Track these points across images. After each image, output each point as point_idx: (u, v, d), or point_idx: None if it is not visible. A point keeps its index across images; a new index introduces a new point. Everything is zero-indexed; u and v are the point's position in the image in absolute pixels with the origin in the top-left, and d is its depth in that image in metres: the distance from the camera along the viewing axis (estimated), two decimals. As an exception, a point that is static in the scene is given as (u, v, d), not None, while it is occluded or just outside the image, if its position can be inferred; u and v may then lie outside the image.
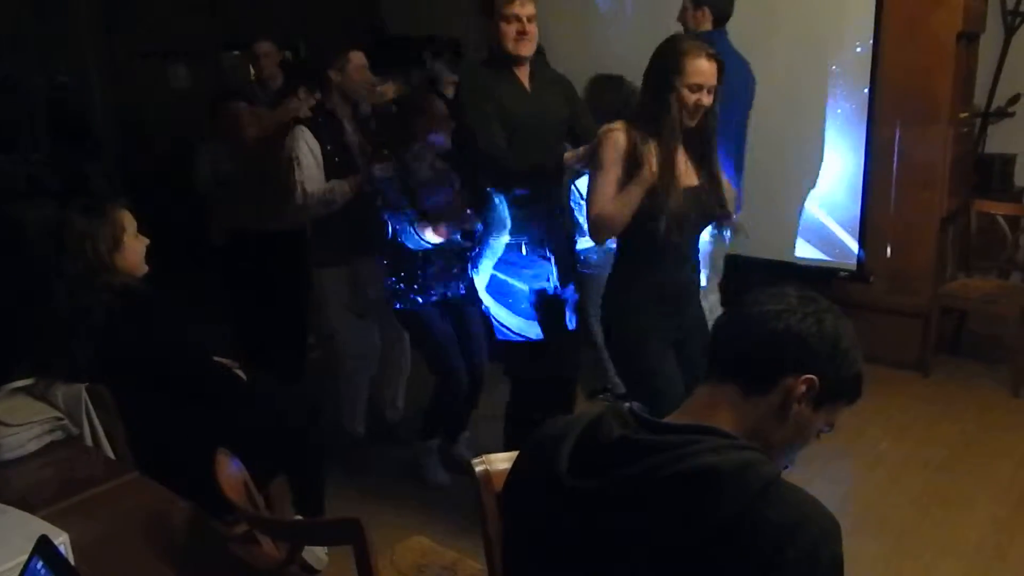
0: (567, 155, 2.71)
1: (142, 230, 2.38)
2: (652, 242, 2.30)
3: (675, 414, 1.20)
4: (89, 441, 2.15)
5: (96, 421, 2.16)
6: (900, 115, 3.98)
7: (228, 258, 3.91)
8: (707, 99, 2.27)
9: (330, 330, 3.58)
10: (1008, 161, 4.80)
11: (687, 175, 2.36)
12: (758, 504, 0.98)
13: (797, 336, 1.15)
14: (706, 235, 3.96)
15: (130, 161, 5.24)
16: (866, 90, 3.73)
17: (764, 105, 3.82)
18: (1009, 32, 4.77)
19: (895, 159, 4.07)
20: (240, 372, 2.59)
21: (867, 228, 3.87)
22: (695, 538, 0.99)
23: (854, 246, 4.02)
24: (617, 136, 2.34)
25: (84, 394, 2.15)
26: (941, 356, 4.26)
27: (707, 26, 3.53)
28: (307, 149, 3.17)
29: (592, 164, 2.43)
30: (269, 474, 2.46)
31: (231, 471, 1.63)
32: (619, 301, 2.45)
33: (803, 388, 1.14)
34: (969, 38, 4.14)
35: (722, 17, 3.56)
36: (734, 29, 3.53)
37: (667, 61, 2.28)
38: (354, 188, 3.14)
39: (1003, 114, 4.87)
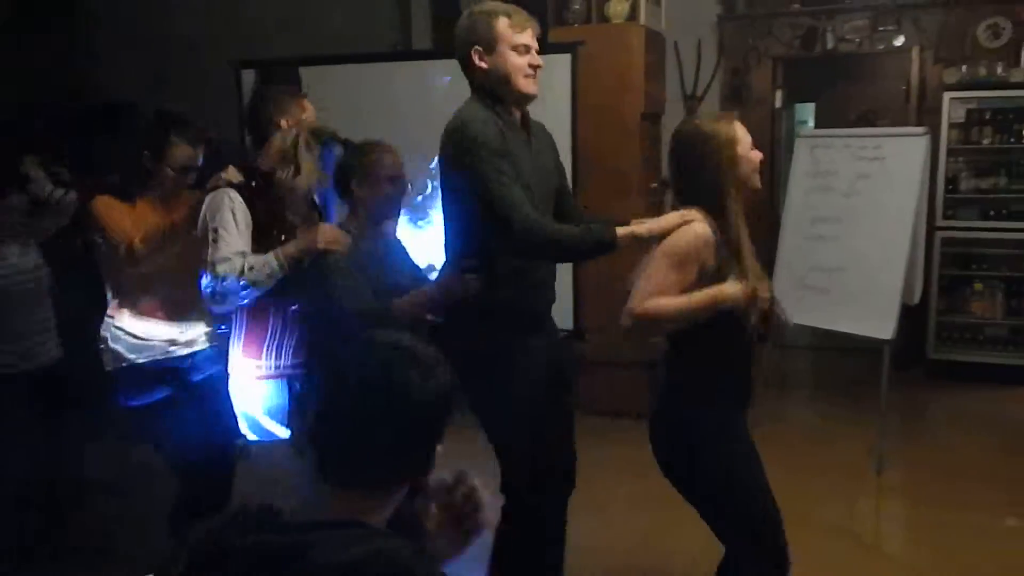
0: (639, 229, 2.09)
1: None
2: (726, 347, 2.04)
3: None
4: None
5: None
6: (598, 187, 4.41)
7: None
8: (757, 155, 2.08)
9: None
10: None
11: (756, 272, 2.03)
12: None
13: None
14: None
15: None
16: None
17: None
18: (689, 112, 5.52)
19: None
20: None
21: (579, 291, 4.22)
22: None
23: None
24: (700, 229, 1.95)
25: None
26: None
27: None
28: (231, 218, 2.51)
29: (663, 250, 2.00)
30: None
31: None
32: (706, 418, 2.09)
33: None
34: (652, 119, 4.72)
35: None
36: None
37: (708, 141, 2.02)
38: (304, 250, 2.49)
39: (690, 183, 5.58)
